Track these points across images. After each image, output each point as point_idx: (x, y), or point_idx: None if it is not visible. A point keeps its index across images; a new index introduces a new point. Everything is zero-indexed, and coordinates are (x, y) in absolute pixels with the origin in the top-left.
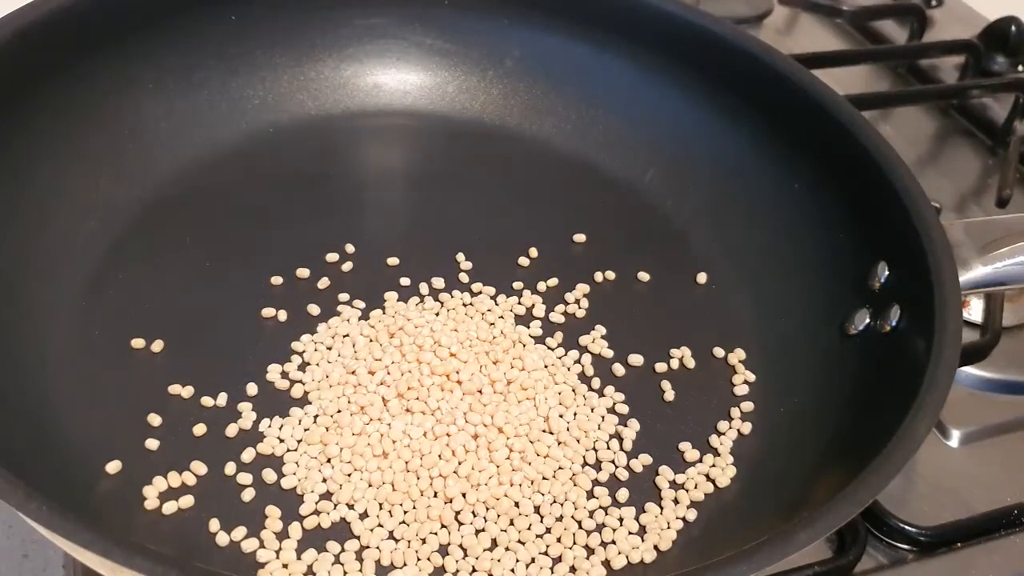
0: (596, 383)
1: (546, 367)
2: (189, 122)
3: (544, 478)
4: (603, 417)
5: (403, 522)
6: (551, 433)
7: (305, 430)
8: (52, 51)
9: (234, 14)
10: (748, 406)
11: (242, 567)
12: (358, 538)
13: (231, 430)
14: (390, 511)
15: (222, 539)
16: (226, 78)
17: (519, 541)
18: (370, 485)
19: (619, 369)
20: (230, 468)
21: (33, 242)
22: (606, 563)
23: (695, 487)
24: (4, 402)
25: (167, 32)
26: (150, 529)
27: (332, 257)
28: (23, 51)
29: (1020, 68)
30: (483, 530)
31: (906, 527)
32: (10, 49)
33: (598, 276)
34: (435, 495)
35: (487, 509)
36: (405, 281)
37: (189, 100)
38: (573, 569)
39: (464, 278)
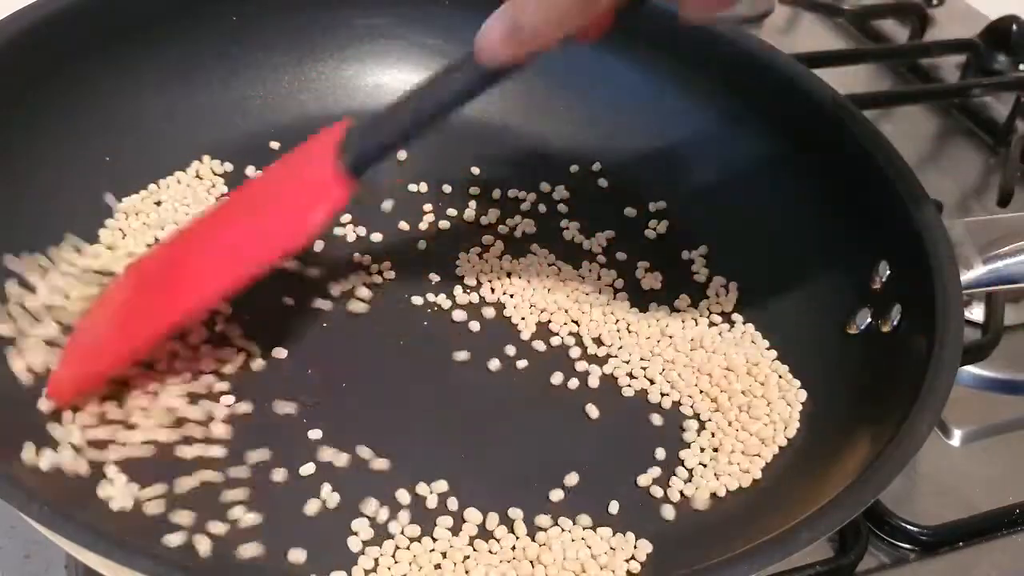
0: None
1: None
2: (190, 122)
3: None
4: None
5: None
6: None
7: None
8: (53, 51)
9: (235, 14)
10: None
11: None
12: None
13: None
14: None
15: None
16: (227, 78)
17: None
18: None
19: None
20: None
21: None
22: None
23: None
24: (5, 402)
25: (168, 32)
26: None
27: None
28: (24, 51)
29: (1021, 67)
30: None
31: (908, 526)
32: (11, 49)
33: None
34: None
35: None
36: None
37: (190, 100)
38: None
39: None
